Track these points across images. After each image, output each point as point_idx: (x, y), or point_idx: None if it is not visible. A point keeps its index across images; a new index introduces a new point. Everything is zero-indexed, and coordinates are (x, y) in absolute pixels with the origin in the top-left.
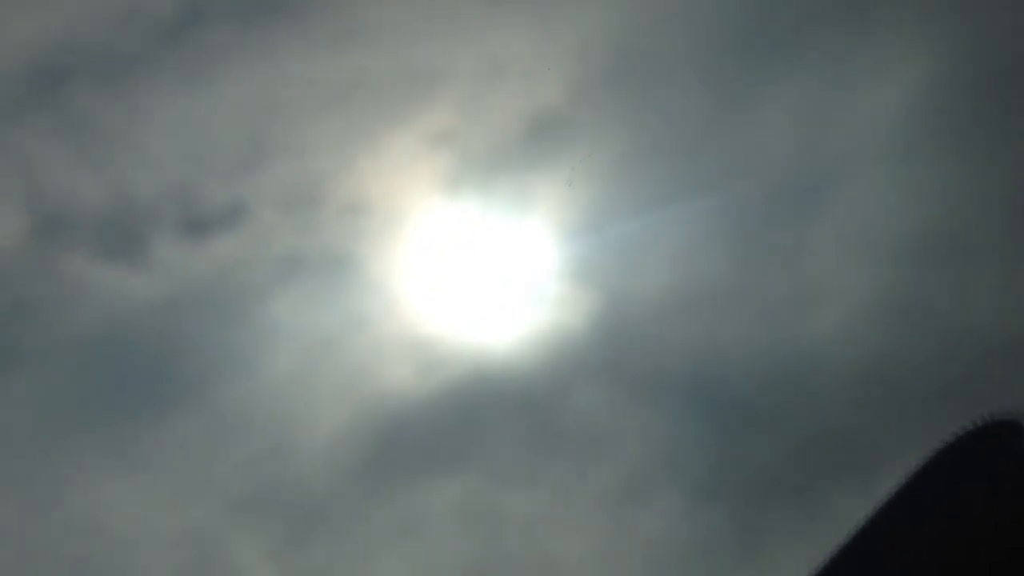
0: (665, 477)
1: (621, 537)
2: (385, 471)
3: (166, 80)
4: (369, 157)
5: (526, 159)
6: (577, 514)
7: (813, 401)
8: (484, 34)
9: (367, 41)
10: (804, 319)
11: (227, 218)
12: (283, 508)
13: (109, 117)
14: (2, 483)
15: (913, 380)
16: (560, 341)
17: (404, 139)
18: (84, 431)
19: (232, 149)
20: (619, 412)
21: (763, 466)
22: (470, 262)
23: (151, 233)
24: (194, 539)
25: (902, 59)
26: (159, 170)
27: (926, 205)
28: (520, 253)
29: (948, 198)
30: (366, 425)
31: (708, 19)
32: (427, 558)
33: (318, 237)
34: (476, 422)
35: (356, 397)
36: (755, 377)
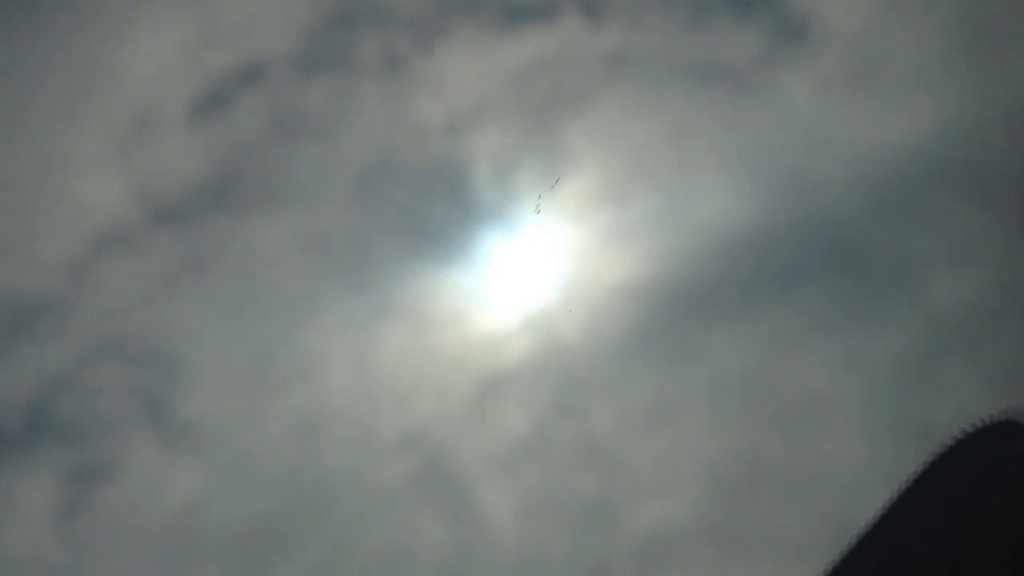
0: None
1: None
2: (659, 332)
3: None
4: None
5: None
6: (871, 387)
7: None
8: None
9: None
10: None
11: (543, 5)
12: (539, 383)
13: None
14: (230, 374)
15: None
16: (890, 165)
17: None
18: (332, 292)
19: None
20: (953, 240)
21: None
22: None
23: (449, 26)
24: (423, 442)
25: None
26: None
27: None
28: None
29: None
30: (663, 268)
31: None
32: (681, 448)
33: (652, 32)
34: (781, 268)
35: (661, 233)
36: None
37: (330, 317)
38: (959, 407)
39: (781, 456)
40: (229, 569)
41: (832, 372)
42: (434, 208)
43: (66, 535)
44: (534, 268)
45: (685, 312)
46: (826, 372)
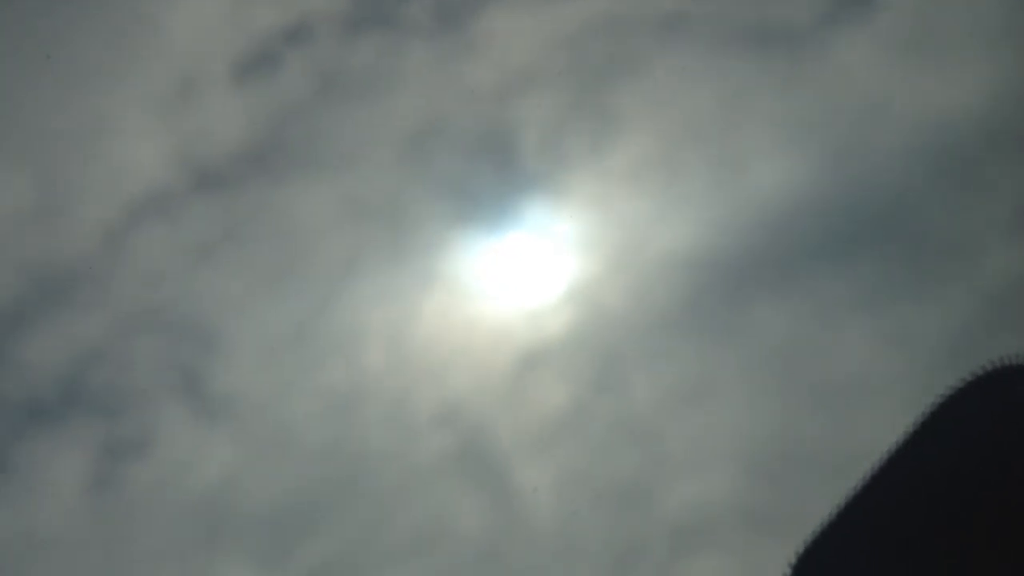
0: None
1: None
2: (705, 304)
3: None
4: None
5: None
6: (916, 365)
7: None
8: None
9: None
10: None
11: None
12: (580, 357)
13: None
14: (266, 347)
15: None
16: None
17: None
18: (372, 262)
19: None
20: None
21: None
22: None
23: None
24: (460, 418)
25: None
26: None
27: None
28: None
29: None
30: (712, 237)
31: None
32: (720, 426)
33: None
34: (832, 238)
35: (711, 201)
36: None
37: (369, 288)
38: None
39: (820, 435)
40: (262, 544)
41: (877, 348)
42: (480, 174)
43: (100, 508)
44: (580, 236)
45: (732, 283)
46: (871, 348)
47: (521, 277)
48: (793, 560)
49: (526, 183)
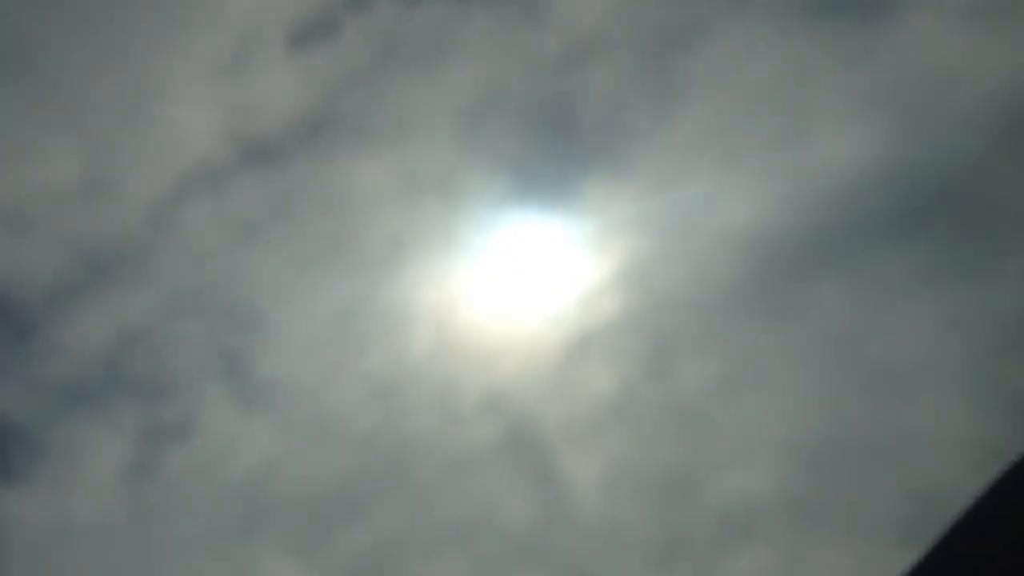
0: None
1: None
2: (760, 286)
3: None
4: None
5: None
6: (975, 351)
7: None
8: None
9: None
10: None
11: None
12: (630, 342)
13: None
14: (311, 330)
15: None
16: None
17: None
18: (422, 241)
19: None
20: None
21: None
22: None
23: None
24: (506, 405)
25: None
26: None
27: None
28: None
29: None
30: (773, 215)
31: None
32: (769, 414)
33: None
34: (896, 214)
35: (774, 177)
36: None
37: (418, 269)
38: None
39: (871, 425)
40: (303, 531)
41: (934, 332)
42: (537, 148)
43: (140, 492)
44: (638, 214)
45: (791, 262)
46: (928, 332)
47: (575, 256)
48: None
49: (584, 158)
